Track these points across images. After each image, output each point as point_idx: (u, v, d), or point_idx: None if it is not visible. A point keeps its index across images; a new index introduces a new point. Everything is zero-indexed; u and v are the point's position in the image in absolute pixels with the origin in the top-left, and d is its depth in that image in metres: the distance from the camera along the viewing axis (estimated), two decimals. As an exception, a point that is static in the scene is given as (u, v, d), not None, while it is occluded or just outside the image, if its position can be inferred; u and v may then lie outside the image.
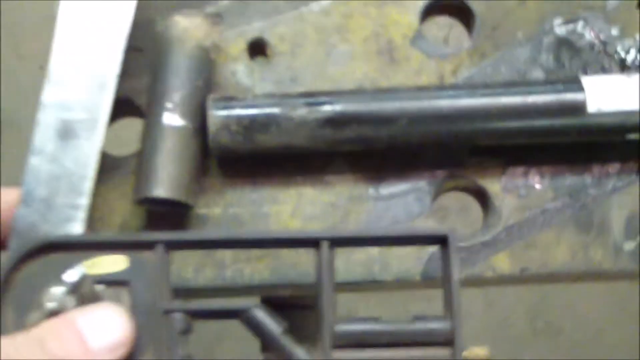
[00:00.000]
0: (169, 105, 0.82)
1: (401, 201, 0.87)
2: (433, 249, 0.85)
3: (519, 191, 0.87)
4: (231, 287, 0.85)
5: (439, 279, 0.79)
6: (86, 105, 0.80)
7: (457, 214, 2.25)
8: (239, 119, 0.81)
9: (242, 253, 0.85)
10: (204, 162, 0.85)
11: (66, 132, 0.80)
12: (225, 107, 0.82)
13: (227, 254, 0.85)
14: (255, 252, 0.85)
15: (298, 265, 0.85)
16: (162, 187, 0.80)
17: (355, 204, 0.86)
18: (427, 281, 0.86)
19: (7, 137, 2.53)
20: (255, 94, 0.87)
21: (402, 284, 0.86)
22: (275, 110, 0.82)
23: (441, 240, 0.76)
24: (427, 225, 0.86)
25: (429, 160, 0.87)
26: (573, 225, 0.86)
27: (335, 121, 0.82)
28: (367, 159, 0.87)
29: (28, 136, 2.18)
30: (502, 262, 0.85)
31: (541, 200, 0.87)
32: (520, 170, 0.88)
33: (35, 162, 0.79)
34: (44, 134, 0.80)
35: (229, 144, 0.82)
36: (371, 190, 0.87)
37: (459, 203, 2.18)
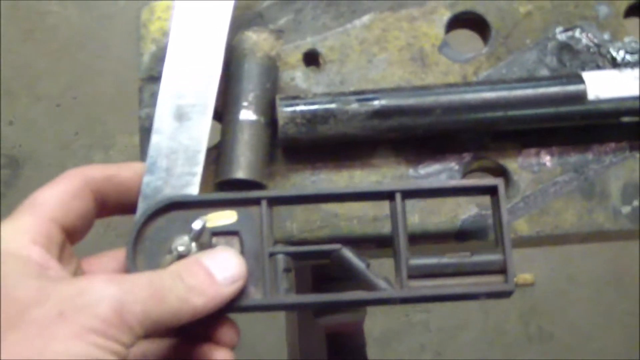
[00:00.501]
0: (244, 103, 0.97)
1: (436, 179, 1.02)
2: (464, 215, 1.00)
3: (532, 168, 1.02)
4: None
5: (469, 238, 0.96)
6: (196, 93, 0.95)
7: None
8: (303, 113, 0.97)
9: (307, 225, 1.00)
10: (272, 150, 1.01)
11: (181, 115, 0.95)
12: (291, 104, 0.98)
13: (294, 226, 1.00)
14: (318, 224, 1.00)
15: (352, 232, 1.00)
16: (242, 170, 0.95)
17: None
18: (460, 240, 1.01)
19: (27, 171, 2.64)
20: (313, 94, 1.02)
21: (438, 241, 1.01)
22: (332, 105, 0.98)
23: (492, 190, 0.92)
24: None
25: (458, 144, 1.02)
26: (579, 194, 1.01)
27: (381, 113, 0.98)
28: (407, 145, 1.02)
29: (47, 170, 2.32)
30: (522, 226, 1.00)
31: (551, 175, 1.02)
32: (533, 151, 1.02)
33: (156, 139, 0.94)
34: (162, 117, 0.94)
35: (295, 134, 0.98)
36: (411, 171, 1.02)
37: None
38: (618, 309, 2.54)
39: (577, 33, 1.06)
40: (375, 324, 2.54)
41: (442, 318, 2.49)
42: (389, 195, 0.93)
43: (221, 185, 0.97)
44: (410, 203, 0.98)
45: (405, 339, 2.53)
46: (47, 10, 2.78)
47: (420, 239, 1.00)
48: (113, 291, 0.77)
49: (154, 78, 1.04)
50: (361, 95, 0.99)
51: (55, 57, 2.71)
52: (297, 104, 0.98)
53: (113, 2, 2.81)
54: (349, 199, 0.96)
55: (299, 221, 1.00)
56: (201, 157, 0.94)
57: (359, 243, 1.00)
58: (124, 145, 2.62)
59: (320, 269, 1.26)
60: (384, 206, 0.97)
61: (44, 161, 2.63)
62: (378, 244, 1.01)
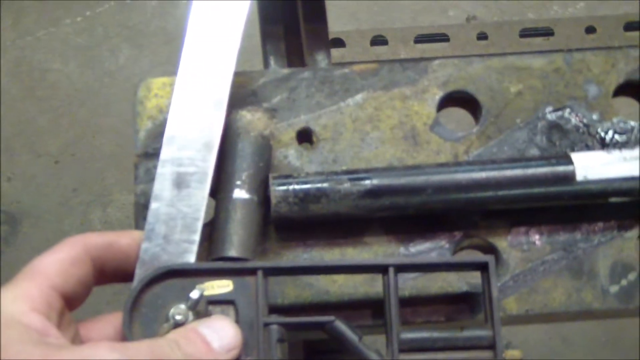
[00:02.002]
0: (238, 182, 0.99)
1: (427, 256, 1.03)
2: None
3: (522, 247, 1.03)
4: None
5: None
6: (196, 161, 0.97)
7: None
8: (296, 192, 0.99)
9: (298, 302, 1.01)
10: (265, 228, 1.02)
11: (180, 183, 0.96)
12: (284, 183, 0.99)
13: (285, 303, 1.01)
14: (309, 299, 1.01)
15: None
16: (235, 249, 0.97)
17: (389, 260, 1.03)
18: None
19: (26, 228, 2.64)
20: (305, 172, 1.03)
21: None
22: (324, 185, 0.99)
23: (482, 266, 0.94)
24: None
25: (449, 223, 1.04)
26: (567, 273, 1.02)
27: (373, 193, 0.99)
28: (398, 224, 1.03)
29: (46, 227, 2.32)
30: (511, 305, 1.01)
31: (541, 254, 1.03)
32: (523, 229, 1.04)
33: (155, 206, 0.96)
34: (162, 184, 0.96)
35: (287, 213, 0.99)
36: (402, 249, 1.03)
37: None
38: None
39: (566, 113, 1.08)
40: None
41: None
42: (382, 269, 0.94)
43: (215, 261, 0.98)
44: (401, 280, 0.99)
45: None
46: (49, 67, 2.81)
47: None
48: (115, 358, 0.79)
49: (150, 154, 1.05)
50: (353, 174, 1.00)
51: (56, 114, 2.73)
52: (290, 183, 0.99)
53: (114, 60, 2.83)
54: (343, 272, 0.98)
55: (289, 298, 1.01)
56: (199, 225, 0.95)
57: (353, 308, 1.01)
58: (121, 203, 2.63)
59: (312, 342, 1.27)
60: (375, 284, 0.99)
61: (42, 217, 2.64)
62: (372, 310, 1.02)
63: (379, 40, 2.14)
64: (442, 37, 2.15)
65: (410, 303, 1.01)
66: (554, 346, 2.56)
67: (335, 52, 2.06)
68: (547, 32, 2.15)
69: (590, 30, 2.13)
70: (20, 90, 2.78)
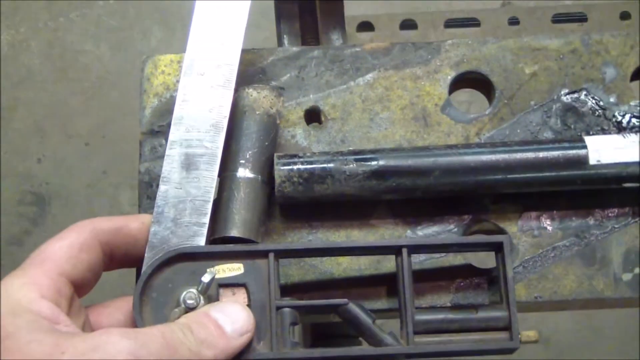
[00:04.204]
0: (242, 161, 0.97)
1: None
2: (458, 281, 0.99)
3: (533, 232, 1.01)
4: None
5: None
6: (204, 142, 0.96)
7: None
8: (300, 172, 0.97)
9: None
10: (270, 208, 1.00)
11: (189, 164, 0.95)
12: (288, 163, 0.98)
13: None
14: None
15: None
16: (237, 229, 0.95)
17: (396, 243, 1.01)
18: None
19: (55, 209, 2.65)
20: (312, 152, 1.02)
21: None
22: (330, 165, 0.97)
23: (497, 246, 0.92)
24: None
25: (457, 206, 1.02)
26: (579, 260, 1.00)
27: (380, 174, 0.97)
28: (406, 206, 1.01)
29: (74, 208, 2.32)
30: (520, 291, 0.99)
31: (552, 239, 1.00)
32: (534, 214, 1.01)
33: (164, 188, 0.95)
34: (170, 166, 0.95)
35: (292, 193, 0.97)
36: (409, 232, 1.01)
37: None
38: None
39: (582, 95, 1.05)
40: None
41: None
42: (395, 250, 0.93)
43: (215, 242, 0.97)
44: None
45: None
46: (81, 49, 2.81)
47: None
48: (127, 345, 0.78)
49: (155, 132, 1.04)
50: (359, 155, 0.98)
51: (87, 95, 2.74)
52: (295, 163, 0.98)
53: (146, 42, 2.83)
54: (355, 253, 0.96)
55: (293, 281, 1.00)
56: (209, 208, 0.94)
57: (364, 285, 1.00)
58: (150, 185, 2.63)
59: (319, 326, 1.25)
60: (380, 266, 0.98)
61: (71, 199, 2.64)
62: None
63: (408, 24, 2.10)
64: (473, 22, 2.11)
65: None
66: (584, 336, 2.53)
67: (364, 36, 2.04)
68: (581, 18, 2.11)
69: (624, 16, 2.08)
70: (52, 72, 2.78)
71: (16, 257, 2.48)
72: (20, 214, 2.65)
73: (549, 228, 1.01)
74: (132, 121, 2.69)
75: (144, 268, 0.91)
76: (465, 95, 1.14)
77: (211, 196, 0.95)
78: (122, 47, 2.83)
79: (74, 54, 2.81)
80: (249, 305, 0.90)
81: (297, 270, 1.00)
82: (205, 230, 0.94)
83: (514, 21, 2.10)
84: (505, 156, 0.98)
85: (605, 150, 0.97)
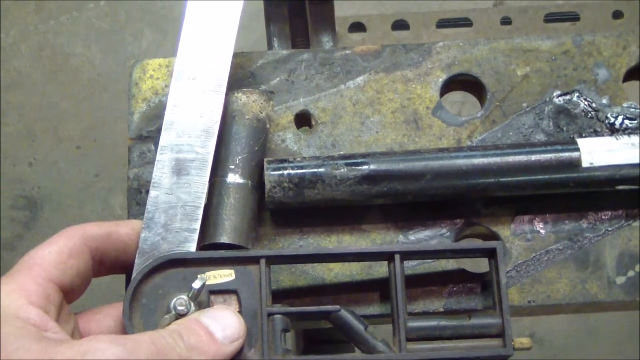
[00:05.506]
0: (231, 166, 0.96)
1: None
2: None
3: (526, 235, 1.00)
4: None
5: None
6: (195, 148, 0.95)
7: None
8: (290, 177, 0.96)
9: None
10: (260, 213, 0.99)
11: (179, 170, 0.94)
12: (279, 168, 0.96)
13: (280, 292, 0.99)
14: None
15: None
16: (227, 235, 0.94)
17: (387, 248, 1.00)
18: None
19: (47, 213, 2.64)
20: (302, 157, 1.00)
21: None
22: (320, 169, 0.96)
23: (491, 252, 0.91)
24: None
25: (449, 210, 1.01)
26: (572, 263, 0.99)
27: (371, 178, 0.96)
28: (397, 210, 1.00)
29: (66, 212, 2.31)
30: (513, 296, 0.98)
31: (545, 243, 0.99)
32: (527, 218, 1.00)
33: (154, 193, 0.94)
34: (161, 171, 0.94)
35: (282, 198, 0.96)
36: (401, 237, 1.00)
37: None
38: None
39: (574, 97, 1.04)
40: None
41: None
42: (388, 256, 0.92)
43: (205, 248, 0.96)
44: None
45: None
46: (71, 52, 2.79)
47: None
48: (116, 352, 0.77)
49: (144, 138, 1.03)
50: (350, 159, 0.97)
51: (78, 99, 2.72)
52: (285, 168, 0.97)
53: (137, 45, 2.82)
54: (348, 259, 0.95)
55: (284, 287, 0.99)
56: (199, 213, 0.93)
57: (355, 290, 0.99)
58: (142, 189, 2.62)
59: (311, 332, 1.24)
60: (372, 272, 0.97)
61: (63, 203, 2.63)
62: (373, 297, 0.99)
63: (400, 25, 2.09)
64: (465, 22, 2.10)
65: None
66: (578, 338, 2.52)
67: (356, 37, 2.03)
68: (573, 17, 2.10)
69: (617, 15, 2.08)
70: (42, 75, 2.77)
71: (8, 262, 2.47)
72: (12, 218, 2.64)
73: (542, 231, 1.00)
74: (123, 124, 2.67)
75: (134, 274, 0.91)
76: (458, 95, 1.13)
77: (202, 202, 0.94)
78: (113, 49, 2.81)
79: (65, 57, 2.80)
80: (240, 312, 0.89)
81: (288, 276, 0.99)
82: (196, 236, 0.93)
83: (506, 21, 2.09)
84: (498, 159, 0.96)
85: (598, 152, 0.96)
